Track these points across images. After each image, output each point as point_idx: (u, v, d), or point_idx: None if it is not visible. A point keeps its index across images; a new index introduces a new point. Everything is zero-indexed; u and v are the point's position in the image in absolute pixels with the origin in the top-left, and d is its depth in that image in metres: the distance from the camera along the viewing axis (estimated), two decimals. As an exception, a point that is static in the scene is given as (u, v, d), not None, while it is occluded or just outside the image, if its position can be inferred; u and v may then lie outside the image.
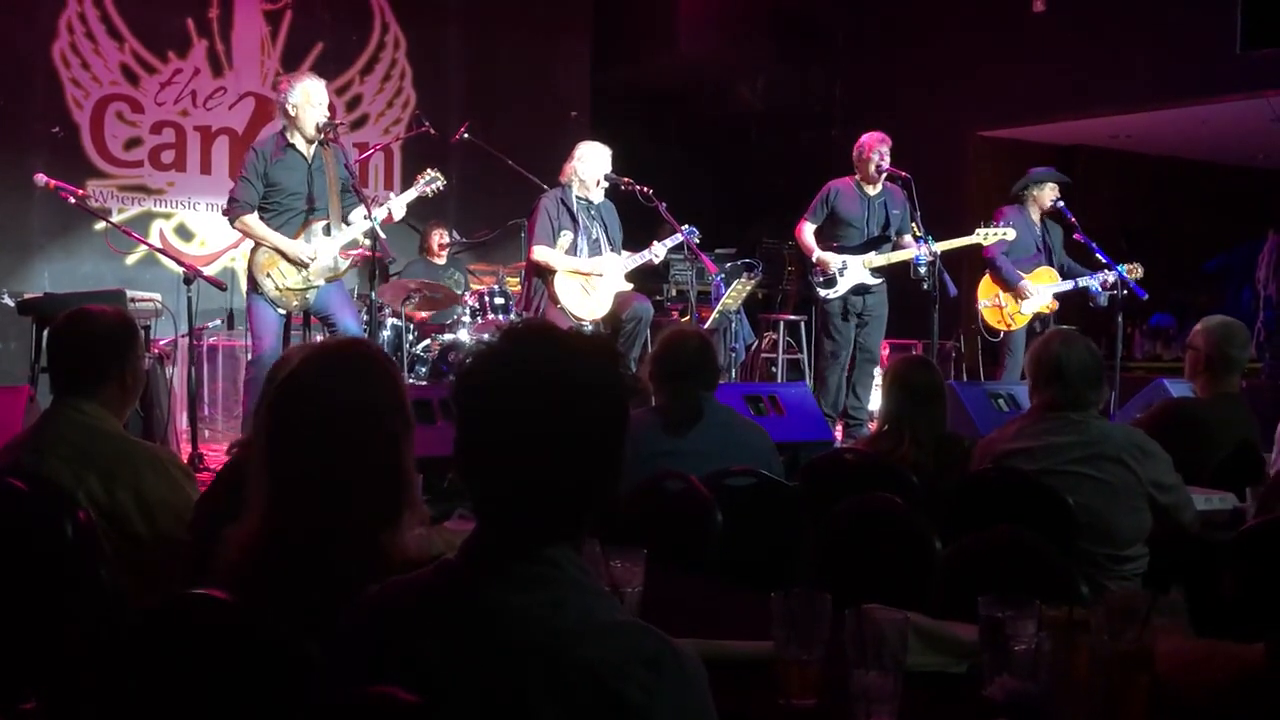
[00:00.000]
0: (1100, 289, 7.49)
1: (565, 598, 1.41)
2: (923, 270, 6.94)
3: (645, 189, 6.67)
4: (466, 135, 7.28)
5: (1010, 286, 7.45)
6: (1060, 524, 3.04)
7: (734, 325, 7.25)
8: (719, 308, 7.15)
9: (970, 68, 10.26)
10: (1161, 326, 11.71)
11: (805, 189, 7.50)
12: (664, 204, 6.67)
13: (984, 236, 7.27)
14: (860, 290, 7.08)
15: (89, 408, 2.91)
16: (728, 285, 7.18)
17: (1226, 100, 9.09)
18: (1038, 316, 7.49)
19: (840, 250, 7.06)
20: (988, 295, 7.52)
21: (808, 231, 7.15)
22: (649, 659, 1.35)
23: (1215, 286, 11.81)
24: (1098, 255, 7.06)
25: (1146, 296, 7.36)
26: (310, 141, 5.82)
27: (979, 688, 1.80)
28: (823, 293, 7.08)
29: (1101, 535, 3.22)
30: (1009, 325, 7.50)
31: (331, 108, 6.03)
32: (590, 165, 6.59)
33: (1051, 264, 7.61)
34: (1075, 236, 7.25)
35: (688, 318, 7.55)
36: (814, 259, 7.05)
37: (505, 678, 1.37)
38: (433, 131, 7.13)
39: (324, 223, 5.82)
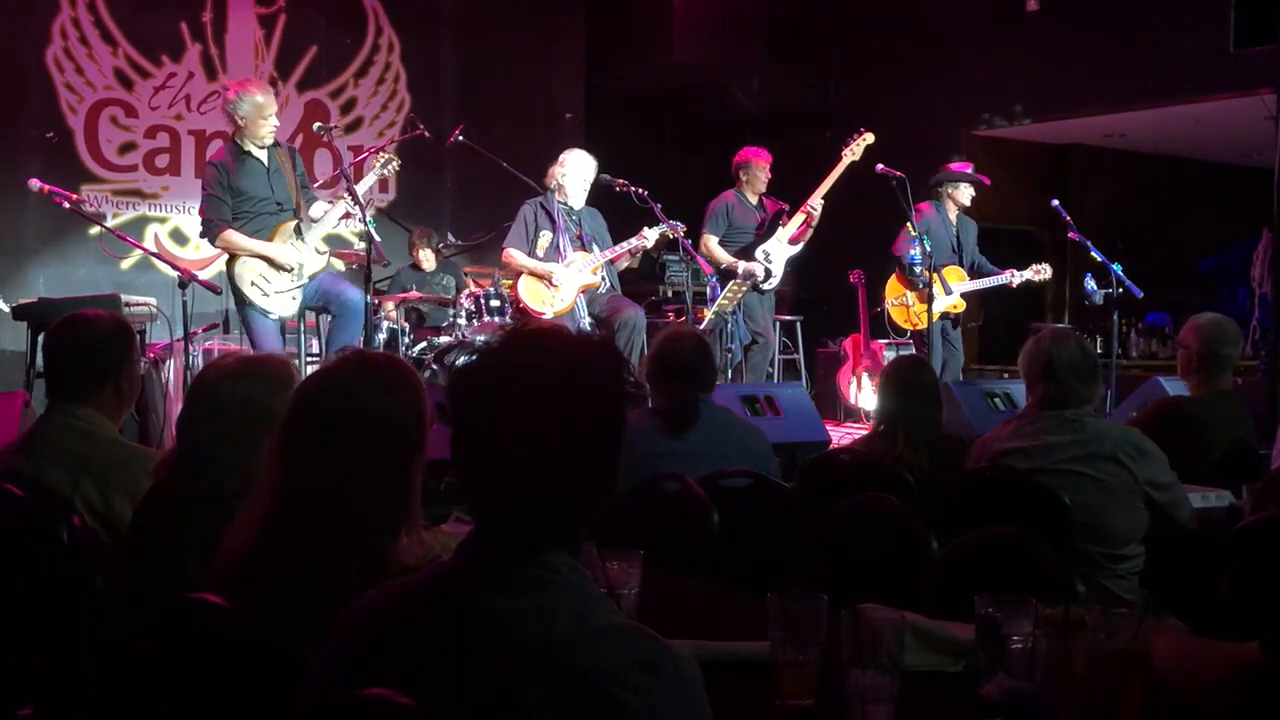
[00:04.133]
0: (1010, 285, 7.67)
1: (561, 601, 1.40)
2: (918, 270, 6.96)
3: (640, 190, 6.71)
4: (461, 138, 7.27)
5: (916, 288, 7.51)
6: (1056, 523, 3.05)
7: (730, 326, 7.25)
8: (715, 309, 7.15)
9: (964, 67, 10.25)
10: (1157, 325, 11.70)
11: (800, 190, 7.52)
12: (659, 205, 6.70)
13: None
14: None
15: (85, 413, 2.91)
16: (723, 287, 7.19)
17: (1220, 99, 9.08)
18: (945, 315, 7.53)
19: (738, 254, 7.37)
20: (894, 295, 7.59)
21: (714, 243, 7.41)
22: (645, 663, 1.35)
23: (1211, 285, 11.80)
24: (1093, 254, 7.05)
25: (1142, 295, 7.36)
26: (262, 146, 5.86)
27: (976, 687, 1.80)
28: (766, 286, 7.38)
29: (1098, 534, 3.22)
30: (915, 324, 7.57)
31: (327, 111, 6.05)
32: (572, 175, 6.78)
33: (962, 263, 7.67)
34: (1070, 235, 7.23)
35: (684, 319, 7.54)
36: (740, 270, 7.28)
37: (500, 682, 1.36)
38: (427, 135, 7.13)
39: (294, 222, 5.90)
